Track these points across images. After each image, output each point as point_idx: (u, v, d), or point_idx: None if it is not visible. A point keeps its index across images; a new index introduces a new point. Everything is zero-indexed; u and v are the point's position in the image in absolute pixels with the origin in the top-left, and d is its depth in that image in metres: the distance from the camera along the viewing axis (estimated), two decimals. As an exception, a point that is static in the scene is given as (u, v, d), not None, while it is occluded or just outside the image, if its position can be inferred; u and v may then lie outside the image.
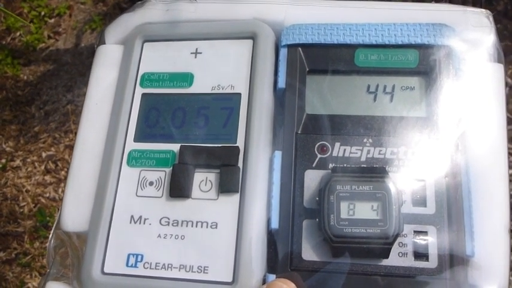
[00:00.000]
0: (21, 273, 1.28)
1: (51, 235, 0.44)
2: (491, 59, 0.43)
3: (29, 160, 1.43)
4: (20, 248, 1.31)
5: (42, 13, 1.64)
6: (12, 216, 1.35)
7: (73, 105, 1.48)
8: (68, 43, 1.60)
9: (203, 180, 0.42)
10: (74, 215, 0.43)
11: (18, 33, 1.63)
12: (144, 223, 0.42)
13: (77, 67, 1.55)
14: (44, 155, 1.43)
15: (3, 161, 1.43)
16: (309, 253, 0.39)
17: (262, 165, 0.42)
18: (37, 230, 1.33)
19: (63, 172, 1.40)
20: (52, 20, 1.64)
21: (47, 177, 1.40)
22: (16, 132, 1.48)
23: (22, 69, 1.57)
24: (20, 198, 1.38)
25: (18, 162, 1.43)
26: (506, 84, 0.42)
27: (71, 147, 1.40)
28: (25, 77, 1.56)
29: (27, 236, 1.33)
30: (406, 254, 0.38)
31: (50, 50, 1.60)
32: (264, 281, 0.39)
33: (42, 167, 1.42)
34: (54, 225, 0.44)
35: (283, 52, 0.45)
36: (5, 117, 1.50)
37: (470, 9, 0.44)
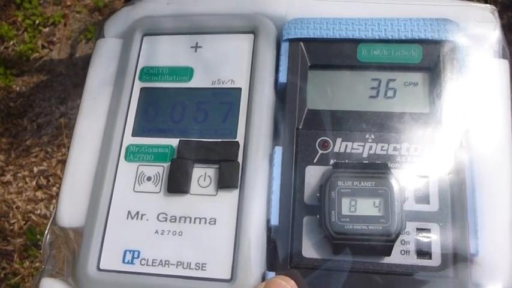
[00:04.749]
0: (10, 294, 1.30)
1: (46, 231, 0.45)
2: (496, 55, 0.45)
3: (20, 175, 1.45)
4: (9, 267, 1.32)
5: (37, 22, 1.68)
6: (1, 233, 1.37)
7: (66, 118, 1.50)
8: (63, 53, 1.63)
9: (202, 175, 0.44)
10: (70, 210, 0.45)
11: (11, 43, 1.66)
12: (141, 219, 0.43)
13: (71, 78, 1.57)
14: (35, 169, 1.45)
15: (-7, 175, 1.46)
16: (309, 250, 0.41)
17: (262, 161, 0.43)
18: (27, 249, 1.33)
19: (55, 188, 1.41)
20: (46, 29, 1.68)
21: (38, 193, 1.42)
22: (7, 146, 1.50)
23: (15, 80, 1.60)
24: (10, 214, 1.39)
25: (8, 177, 1.45)
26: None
27: (63, 162, 1.42)
28: (17, 88, 1.59)
29: (16, 255, 1.33)
30: (409, 251, 0.40)
31: (44, 60, 1.62)
32: (263, 279, 0.40)
33: (34, 183, 1.43)
34: (50, 220, 0.46)
35: (285, 46, 0.47)
36: (-4, 129, 1.53)
37: (474, 5, 0.46)
